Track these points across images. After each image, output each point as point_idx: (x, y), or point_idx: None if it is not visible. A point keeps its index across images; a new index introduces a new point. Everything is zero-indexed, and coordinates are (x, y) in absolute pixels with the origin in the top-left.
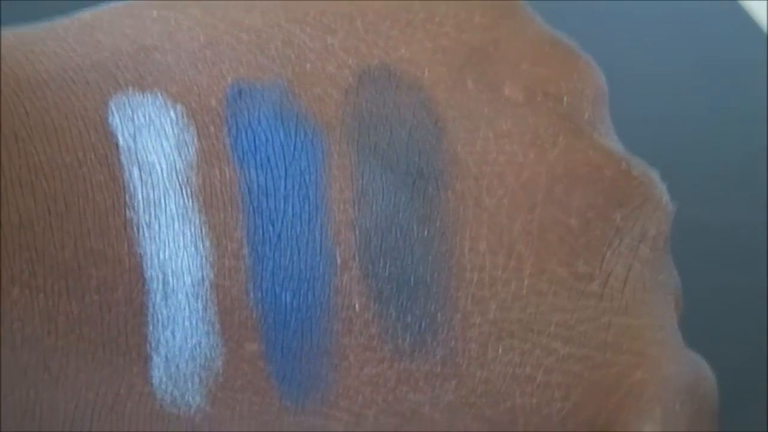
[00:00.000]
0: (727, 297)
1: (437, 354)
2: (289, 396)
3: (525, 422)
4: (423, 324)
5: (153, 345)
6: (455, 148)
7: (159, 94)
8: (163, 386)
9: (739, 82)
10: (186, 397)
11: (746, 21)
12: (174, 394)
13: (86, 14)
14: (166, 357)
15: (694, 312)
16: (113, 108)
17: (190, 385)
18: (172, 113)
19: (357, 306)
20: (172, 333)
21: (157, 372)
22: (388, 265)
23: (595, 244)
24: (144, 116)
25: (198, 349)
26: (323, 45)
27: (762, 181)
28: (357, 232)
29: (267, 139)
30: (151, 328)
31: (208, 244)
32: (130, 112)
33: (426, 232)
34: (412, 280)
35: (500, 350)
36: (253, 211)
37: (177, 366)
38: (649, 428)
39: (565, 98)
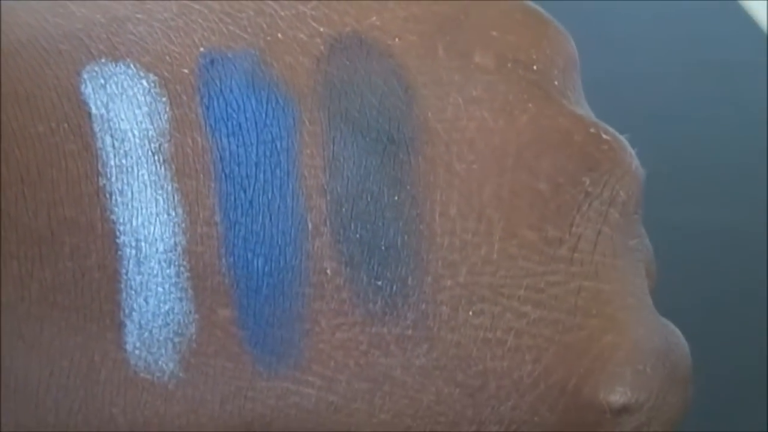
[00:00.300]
0: (727, 297)
1: (408, 317)
2: (261, 361)
3: (496, 385)
4: (394, 288)
5: (126, 311)
6: (426, 115)
7: (131, 64)
8: (137, 352)
9: (739, 83)
10: (159, 363)
11: (746, 21)
12: (147, 360)
13: None
14: (140, 323)
15: (694, 312)
16: (86, 77)
17: (163, 351)
18: (144, 82)
19: (328, 271)
20: (145, 299)
21: (131, 338)
22: (359, 230)
23: (564, 209)
24: (116, 85)
25: (171, 315)
26: (295, 13)
27: (762, 182)
28: (328, 198)
29: (239, 107)
30: (124, 294)
31: (180, 211)
32: (103, 82)
33: (397, 197)
34: (383, 244)
35: (471, 314)
36: (225, 178)
37: (150, 332)
38: (619, 391)
39: (535, 65)
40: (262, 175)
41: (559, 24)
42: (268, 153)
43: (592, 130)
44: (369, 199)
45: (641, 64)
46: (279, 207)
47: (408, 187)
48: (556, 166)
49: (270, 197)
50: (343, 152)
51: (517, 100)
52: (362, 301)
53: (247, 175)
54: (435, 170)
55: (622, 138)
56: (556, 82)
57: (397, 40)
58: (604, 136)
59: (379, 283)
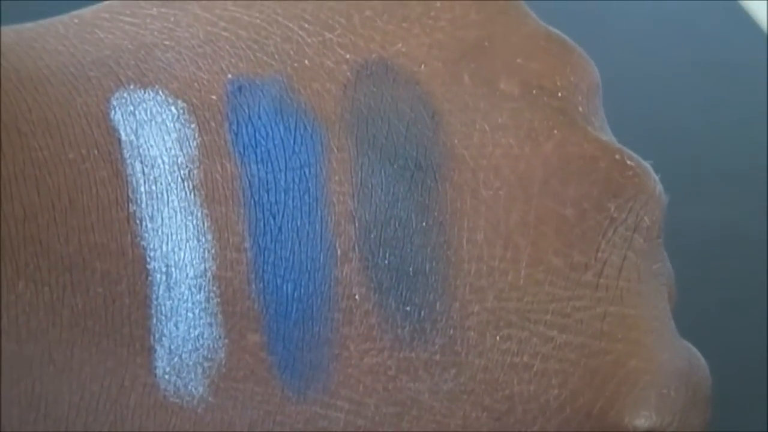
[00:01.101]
0: (727, 297)
1: (436, 342)
2: (290, 386)
3: (523, 409)
4: (422, 313)
5: (156, 336)
6: (452, 141)
7: (160, 91)
8: (167, 377)
9: (739, 83)
10: (189, 387)
11: (746, 21)
12: (177, 384)
13: (86, 12)
14: (170, 348)
15: (694, 312)
16: (115, 104)
17: (192, 375)
18: (173, 109)
19: (357, 296)
20: (175, 324)
21: (161, 363)
22: (387, 256)
23: (590, 235)
24: (145, 112)
25: (201, 340)
26: (321, 41)
27: (762, 181)
28: (356, 224)
29: (267, 134)
30: (154, 320)
31: (209, 236)
32: (132, 108)
33: (424, 223)
34: (411, 270)
35: (498, 339)
36: (254, 205)
37: (180, 357)
38: (644, 415)
39: (559, 92)
40: (291, 202)
41: (582, 50)
42: (296, 179)
43: (617, 156)
44: (397, 225)
45: (640, 63)
46: (308, 233)
47: (435, 214)
48: (581, 192)
49: (299, 223)
50: (371, 179)
51: (542, 126)
52: (391, 327)
53: (276, 202)
54: (462, 197)
55: (645, 164)
56: (580, 108)
57: (422, 66)
58: (629, 163)
59: (408, 308)
